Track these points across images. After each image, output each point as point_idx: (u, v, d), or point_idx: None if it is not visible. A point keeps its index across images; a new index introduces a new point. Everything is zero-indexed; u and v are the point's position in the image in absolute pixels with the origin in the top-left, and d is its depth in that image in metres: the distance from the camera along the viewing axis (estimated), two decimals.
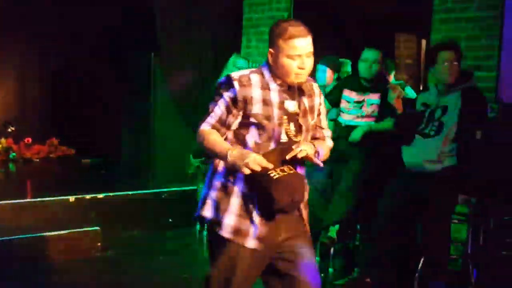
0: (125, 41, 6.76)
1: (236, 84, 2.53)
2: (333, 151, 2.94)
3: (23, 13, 7.25)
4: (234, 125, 2.58)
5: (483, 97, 4.15)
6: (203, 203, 2.62)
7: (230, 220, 2.53)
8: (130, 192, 5.85)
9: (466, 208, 4.44)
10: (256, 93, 2.55)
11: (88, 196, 5.46)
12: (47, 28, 7.32)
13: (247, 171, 2.37)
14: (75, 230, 4.96)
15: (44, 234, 4.79)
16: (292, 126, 2.59)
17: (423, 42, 7.50)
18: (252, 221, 2.53)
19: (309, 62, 2.55)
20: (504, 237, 4.48)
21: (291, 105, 2.60)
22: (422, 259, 4.05)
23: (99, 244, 5.02)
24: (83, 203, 5.42)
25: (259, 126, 2.54)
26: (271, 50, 2.57)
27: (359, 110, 4.76)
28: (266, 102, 2.55)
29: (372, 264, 4.27)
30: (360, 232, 4.91)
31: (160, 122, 6.61)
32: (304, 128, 2.62)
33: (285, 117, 2.57)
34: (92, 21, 7.05)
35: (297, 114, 2.61)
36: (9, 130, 7.65)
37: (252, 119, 2.54)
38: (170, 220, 5.92)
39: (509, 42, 4.96)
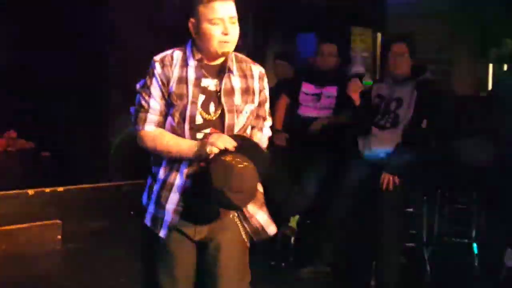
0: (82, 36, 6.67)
1: (158, 66, 2.31)
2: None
3: None
4: None
5: (438, 89, 4.22)
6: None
7: (151, 208, 2.39)
8: (90, 185, 5.79)
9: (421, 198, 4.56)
10: (175, 72, 2.32)
11: (47, 189, 5.38)
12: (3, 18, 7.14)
13: (215, 150, 2.20)
14: (35, 223, 4.91)
15: (5, 227, 4.75)
16: (211, 107, 2.32)
17: (379, 35, 7.58)
18: (166, 210, 2.34)
19: (233, 29, 2.27)
20: (456, 225, 4.60)
21: (211, 83, 2.33)
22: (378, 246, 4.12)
23: (60, 237, 4.99)
24: (43, 196, 5.33)
25: (173, 106, 2.30)
26: (192, 19, 2.30)
27: (316, 103, 4.80)
28: (181, 80, 2.31)
29: (331, 252, 4.33)
30: (319, 222, 4.96)
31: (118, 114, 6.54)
32: (226, 109, 2.31)
33: (202, 95, 2.31)
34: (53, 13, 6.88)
35: (218, 92, 2.32)
36: None
37: (168, 100, 2.31)
38: (132, 212, 5.87)
39: None
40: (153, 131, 2.32)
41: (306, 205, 4.75)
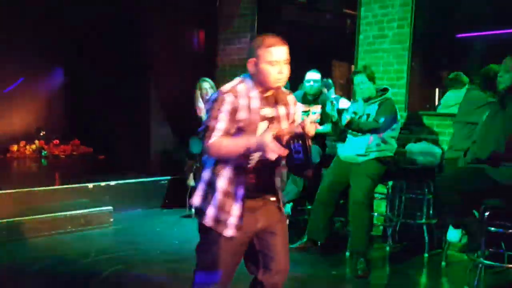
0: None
1: (227, 96, 2.20)
2: None
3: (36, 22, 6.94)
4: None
5: (394, 106, 4.24)
6: (194, 192, 2.36)
7: (211, 211, 2.26)
8: (134, 180, 5.83)
9: (385, 188, 4.58)
10: (242, 101, 2.22)
11: (103, 183, 5.44)
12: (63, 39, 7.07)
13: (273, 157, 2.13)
14: (94, 209, 4.97)
15: (70, 212, 4.81)
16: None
17: (352, 67, 7.63)
18: (231, 214, 2.25)
19: (286, 69, 2.25)
20: (413, 210, 4.59)
21: (269, 111, 2.27)
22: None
23: (112, 219, 5.03)
24: (99, 189, 5.40)
25: (243, 131, 2.22)
26: (251, 60, 2.25)
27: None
28: (248, 109, 2.23)
29: (317, 230, 4.35)
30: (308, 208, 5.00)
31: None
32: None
33: (264, 122, 2.27)
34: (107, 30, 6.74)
35: (273, 120, 2.29)
36: (41, 134, 7.61)
37: (238, 125, 2.22)
38: (167, 201, 5.97)
39: None
40: (215, 141, 2.19)
41: (297, 194, 4.80)
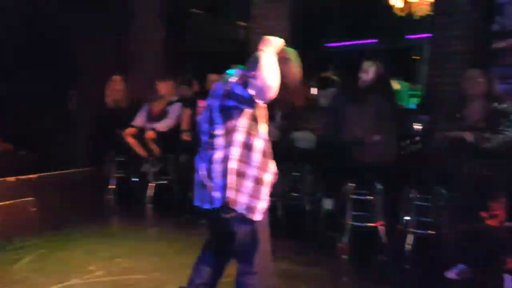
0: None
1: None
2: None
3: None
4: None
5: None
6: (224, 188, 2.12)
7: (244, 199, 2.12)
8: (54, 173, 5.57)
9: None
10: None
11: (23, 177, 5.14)
12: None
13: None
14: (17, 200, 4.67)
15: None
16: None
17: None
18: (261, 200, 2.18)
19: None
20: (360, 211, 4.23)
21: None
22: None
23: (34, 209, 4.70)
24: (21, 182, 5.11)
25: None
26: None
27: None
28: None
29: None
30: None
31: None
32: None
33: None
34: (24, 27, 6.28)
35: None
36: None
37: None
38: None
39: None
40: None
41: None
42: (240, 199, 2.13)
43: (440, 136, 3.40)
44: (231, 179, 2.11)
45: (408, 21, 6.19)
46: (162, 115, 5.24)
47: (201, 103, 4.93)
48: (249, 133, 2.13)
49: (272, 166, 2.23)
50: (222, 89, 2.17)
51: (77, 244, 3.90)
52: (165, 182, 5.27)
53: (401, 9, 6.10)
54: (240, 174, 2.13)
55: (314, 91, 5.47)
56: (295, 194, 4.82)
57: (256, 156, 2.15)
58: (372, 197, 3.76)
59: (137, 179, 5.38)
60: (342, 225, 3.86)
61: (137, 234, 4.26)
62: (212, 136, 2.20)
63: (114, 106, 5.56)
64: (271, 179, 2.22)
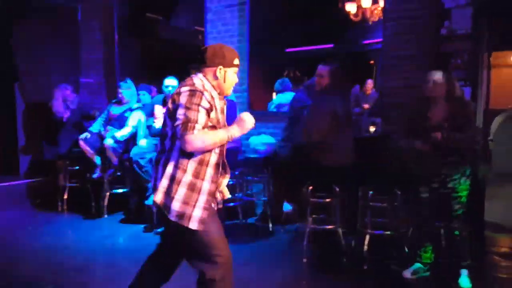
0: None
1: (206, 94, 2.09)
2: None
3: None
4: None
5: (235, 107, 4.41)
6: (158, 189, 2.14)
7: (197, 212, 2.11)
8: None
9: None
10: (213, 101, 2.14)
11: None
12: None
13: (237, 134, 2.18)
14: None
15: None
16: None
17: None
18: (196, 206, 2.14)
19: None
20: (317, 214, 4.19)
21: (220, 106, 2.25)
22: None
23: None
24: None
25: (214, 127, 2.16)
26: (216, 67, 2.18)
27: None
28: (215, 108, 2.16)
29: None
30: None
31: None
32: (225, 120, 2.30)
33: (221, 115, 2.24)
34: None
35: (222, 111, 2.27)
36: None
37: (209, 123, 2.12)
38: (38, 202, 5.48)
39: None
40: (199, 133, 2.03)
41: None
42: (171, 205, 2.10)
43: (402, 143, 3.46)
44: (164, 182, 2.11)
45: (364, 26, 6.32)
46: (121, 121, 5.10)
47: (158, 109, 4.84)
48: None
49: (212, 175, 2.18)
50: (174, 93, 2.16)
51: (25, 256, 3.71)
52: (122, 191, 5.11)
53: (355, 15, 6.22)
54: (174, 179, 2.10)
55: (273, 95, 5.47)
56: (253, 199, 4.77)
57: (192, 164, 2.12)
58: (330, 200, 3.77)
59: (92, 188, 5.19)
60: (302, 228, 3.84)
61: (91, 246, 4.09)
62: (163, 138, 2.20)
63: (65, 113, 5.36)
64: (211, 188, 2.18)
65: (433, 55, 4.15)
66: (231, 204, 4.88)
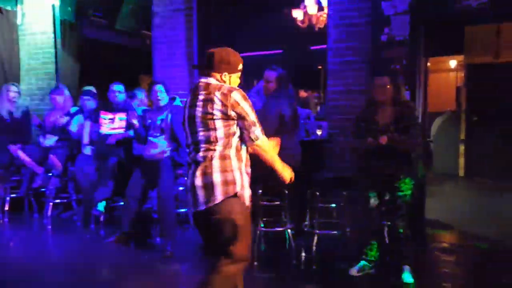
0: None
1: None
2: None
3: None
4: None
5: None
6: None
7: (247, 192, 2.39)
8: None
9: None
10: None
11: None
12: None
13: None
14: None
15: None
16: None
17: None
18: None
19: None
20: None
21: None
22: None
23: None
24: None
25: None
26: (226, 70, 2.35)
27: (111, 124, 4.69)
28: None
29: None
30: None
31: None
32: None
33: None
34: None
35: None
36: None
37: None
38: None
39: None
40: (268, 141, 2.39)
41: (109, 193, 4.60)
42: (227, 188, 2.33)
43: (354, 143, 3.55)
44: (218, 176, 2.32)
45: (311, 33, 6.47)
46: (58, 127, 4.91)
47: (104, 115, 4.71)
48: None
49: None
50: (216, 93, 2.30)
51: None
52: (66, 200, 4.91)
53: (302, 22, 6.36)
54: (228, 170, 2.33)
55: None
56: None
57: (237, 155, 2.36)
58: (280, 202, 3.81)
59: (34, 198, 4.96)
60: (253, 231, 3.85)
61: (35, 259, 3.89)
62: (206, 139, 2.34)
63: (8, 117, 5.08)
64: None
65: (374, 61, 4.31)
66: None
